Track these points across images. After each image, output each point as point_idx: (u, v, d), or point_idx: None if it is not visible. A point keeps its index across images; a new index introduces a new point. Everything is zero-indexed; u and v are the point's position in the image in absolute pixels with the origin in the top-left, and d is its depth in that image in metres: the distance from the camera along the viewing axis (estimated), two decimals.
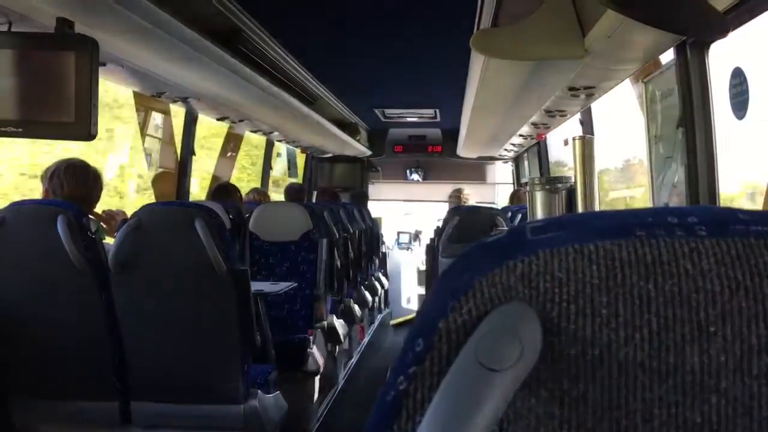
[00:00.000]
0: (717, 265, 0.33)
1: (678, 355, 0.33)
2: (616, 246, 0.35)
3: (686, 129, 2.22)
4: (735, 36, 1.87)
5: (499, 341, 0.33)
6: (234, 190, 4.20)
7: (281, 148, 6.57)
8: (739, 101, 1.97)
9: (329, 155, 7.15)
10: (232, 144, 5.30)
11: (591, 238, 0.35)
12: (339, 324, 3.91)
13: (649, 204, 2.97)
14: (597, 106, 3.72)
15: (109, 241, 2.55)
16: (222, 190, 4.13)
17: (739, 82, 1.97)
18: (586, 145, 2.86)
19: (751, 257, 0.33)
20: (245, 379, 2.47)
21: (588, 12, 2.11)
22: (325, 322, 3.73)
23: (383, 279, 6.42)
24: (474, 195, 5.20)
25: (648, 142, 2.85)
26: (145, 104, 3.77)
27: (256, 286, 2.83)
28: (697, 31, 1.17)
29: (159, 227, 2.31)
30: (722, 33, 1.18)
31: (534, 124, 4.28)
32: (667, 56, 2.38)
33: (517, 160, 7.00)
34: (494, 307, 0.35)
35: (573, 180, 2.93)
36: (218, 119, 4.36)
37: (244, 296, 2.38)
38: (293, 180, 6.75)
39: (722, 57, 2.20)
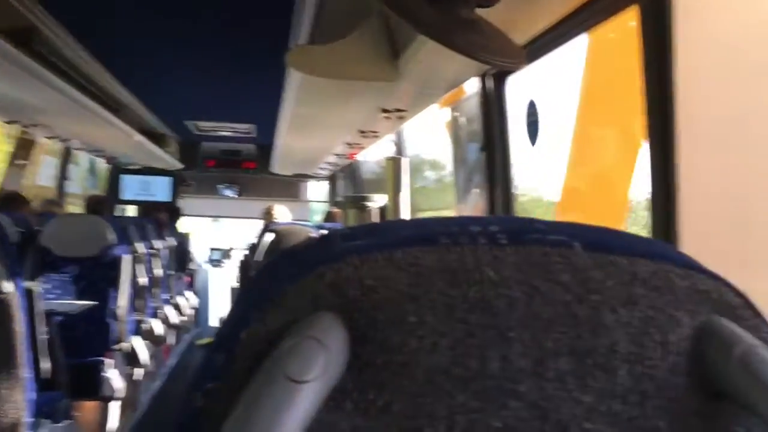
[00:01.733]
0: (516, 272, 0.34)
1: (480, 361, 0.33)
2: (423, 253, 0.35)
3: (487, 153, 2.38)
4: (531, 70, 2.04)
5: (304, 352, 0.31)
6: (23, 200, 3.82)
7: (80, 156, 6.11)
8: (532, 130, 2.15)
9: (137, 167, 6.76)
10: (23, 151, 4.82)
11: (399, 244, 0.35)
12: (141, 345, 3.69)
13: None
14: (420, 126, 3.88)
15: None
16: (9, 200, 3.74)
17: (532, 113, 2.15)
18: (397, 165, 2.97)
19: (547, 264, 0.35)
20: (31, 408, 2.23)
21: (401, 36, 2.20)
22: (125, 344, 3.49)
23: (192, 297, 6.17)
24: (287, 213, 5.17)
25: (454, 166, 3.02)
26: None
27: (47, 305, 2.58)
28: (499, 60, 1.25)
29: None
30: (520, 64, 1.28)
31: (348, 144, 4.37)
32: (472, 84, 2.54)
33: (332, 179, 7.09)
34: (301, 316, 0.33)
35: (385, 198, 3.02)
36: (7, 122, 3.96)
37: (32, 317, 2.16)
38: (94, 192, 6.30)
39: (523, 88, 2.40)
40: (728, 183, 1.24)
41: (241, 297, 0.37)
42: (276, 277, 0.35)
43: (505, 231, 0.36)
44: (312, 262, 0.35)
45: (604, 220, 2.36)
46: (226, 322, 0.36)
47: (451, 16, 1.27)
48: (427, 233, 0.36)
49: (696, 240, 1.31)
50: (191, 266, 6.68)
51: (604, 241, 0.37)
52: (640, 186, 1.99)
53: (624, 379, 0.34)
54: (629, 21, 1.47)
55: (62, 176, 5.50)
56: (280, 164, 6.21)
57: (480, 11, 1.33)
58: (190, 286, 6.51)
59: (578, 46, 2.01)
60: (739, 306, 0.36)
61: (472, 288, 0.34)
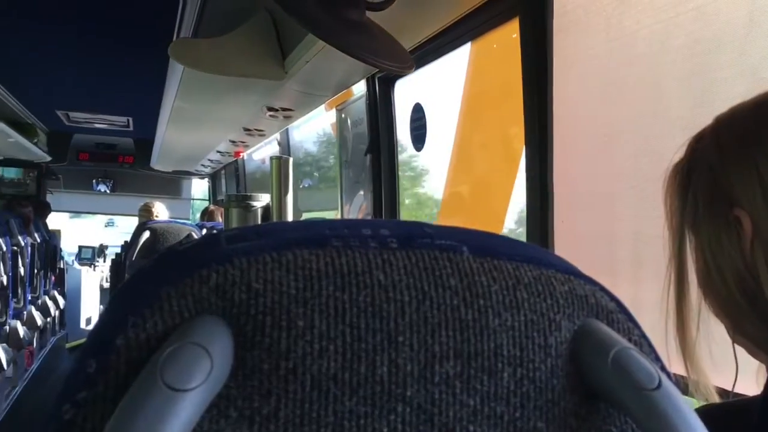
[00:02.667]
0: (406, 276, 0.34)
1: (369, 365, 0.33)
2: (314, 256, 0.34)
3: (372, 156, 2.40)
4: (418, 75, 2.07)
5: (185, 358, 0.30)
6: None
7: None
8: (419, 134, 2.19)
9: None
10: None
11: (289, 246, 0.34)
12: (1, 349, 3.43)
13: None
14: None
15: None
16: None
17: (419, 117, 2.19)
18: (282, 165, 2.93)
19: (436, 269, 0.35)
20: None
21: (289, 35, 2.17)
22: None
23: (59, 297, 5.81)
24: (169, 210, 4.98)
25: (339, 167, 3.02)
26: None
27: None
28: (387, 64, 1.26)
29: None
30: (408, 68, 1.29)
31: (232, 141, 4.27)
32: (360, 87, 2.56)
33: (214, 177, 6.91)
34: (183, 320, 0.32)
35: (269, 198, 2.97)
36: None
37: None
38: None
39: (409, 93, 2.43)
40: (597, 189, 1.31)
41: (115, 299, 0.35)
42: (156, 279, 0.34)
43: (396, 235, 0.36)
44: (195, 264, 0.33)
45: (483, 225, 2.44)
46: (98, 326, 0.33)
47: (340, 17, 1.27)
48: (318, 235, 0.35)
49: (567, 243, 1.38)
50: (60, 265, 6.29)
51: (490, 246, 0.37)
52: (521, 192, 2.08)
53: (507, 382, 0.34)
54: (512, 33, 1.53)
55: None
56: (160, 160, 5.98)
57: (370, 14, 1.33)
58: (58, 285, 6.12)
59: (463, 53, 2.07)
60: (614, 310, 0.38)
61: (362, 292, 0.33)
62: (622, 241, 1.25)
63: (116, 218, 7.78)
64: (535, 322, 0.36)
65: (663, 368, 0.38)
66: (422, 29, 1.70)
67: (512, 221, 2.19)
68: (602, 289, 0.39)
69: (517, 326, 0.35)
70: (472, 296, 0.35)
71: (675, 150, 0.68)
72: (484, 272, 0.36)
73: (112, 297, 0.35)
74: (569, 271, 0.39)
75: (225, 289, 0.32)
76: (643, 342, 0.39)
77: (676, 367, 0.68)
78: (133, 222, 5.64)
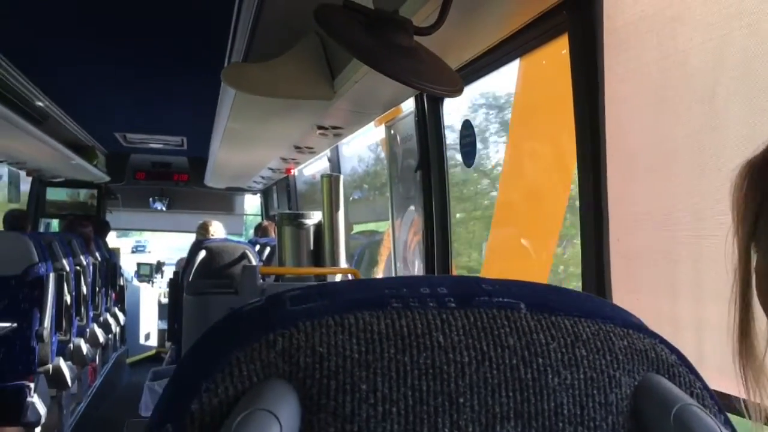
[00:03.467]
0: (465, 336, 0.35)
1: (431, 428, 0.33)
2: (375, 318, 0.35)
3: (422, 172, 2.40)
4: (467, 90, 2.07)
5: (256, 423, 0.31)
6: None
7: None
8: (468, 151, 2.19)
9: (61, 179, 6.52)
10: None
11: (350, 308, 0.35)
12: (66, 367, 3.54)
13: (391, 238, 3.16)
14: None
15: None
16: None
17: (468, 133, 2.18)
18: (333, 182, 2.97)
19: (494, 328, 0.35)
20: None
21: (337, 57, 2.20)
22: (49, 366, 3.35)
23: (119, 314, 5.98)
24: (222, 226, 5.08)
25: (389, 182, 3.03)
26: None
27: None
28: (435, 88, 1.27)
29: None
30: (456, 92, 1.30)
31: (283, 159, 4.34)
32: (409, 104, 2.57)
33: (266, 192, 7.02)
34: (252, 385, 0.33)
35: (320, 215, 3.01)
36: None
37: None
38: (15, 206, 6.02)
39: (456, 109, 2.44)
40: (654, 208, 1.29)
41: (187, 361, 0.36)
42: (225, 342, 0.35)
43: (454, 294, 0.37)
44: (262, 327, 0.34)
45: (537, 233, 2.41)
46: (172, 391, 0.35)
47: (388, 43, 1.28)
48: (378, 296, 0.36)
49: (623, 262, 1.36)
50: (120, 282, 6.48)
51: (548, 302, 0.38)
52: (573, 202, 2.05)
53: None
54: (562, 49, 1.52)
55: None
56: (213, 177, 6.11)
57: (418, 37, 1.35)
58: (119, 302, 6.30)
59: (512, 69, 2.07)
60: (675, 363, 0.38)
61: (422, 354, 0.34)
62: (682, 260, 1.23)
63: (149, 241, 7.97)
64: (595, 379, 0.36)
65: (726, 421, 0.38)
66: (470, 48, 1.70)
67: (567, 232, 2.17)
68: (662, 341, 0.39)
69: (576, 384, 0.35)
70: (530, 355, 0.35)
71: (736, 167, 0.63)
72: (542, 330, 0.36)
73: (183, 360, 0.37)
74: (628, 324, 0.39)
75: (291, 354, 0.33)
76: (705, 395, 0.38)
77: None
78: (184, 238, 5.77)
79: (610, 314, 0.39)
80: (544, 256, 2.24)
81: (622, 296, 1.35)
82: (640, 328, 0.39)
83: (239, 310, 0.37)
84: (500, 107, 2.62)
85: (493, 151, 2.68)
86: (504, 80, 2.13)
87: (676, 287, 1.24)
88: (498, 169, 2.65)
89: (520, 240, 2.47)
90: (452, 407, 0.33)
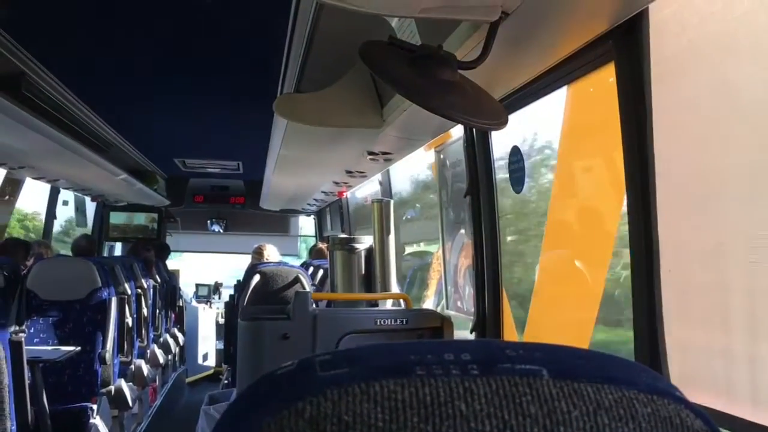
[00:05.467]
0: (487, 405, 0.36)
1: None
2: (399, 386, 0.36)
3: (472, 198, 2.40)
4: (515, 117, 2.07)
5: None
6: (18, 245, 3.79)
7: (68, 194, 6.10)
8: (517, 177, 2.18)
9: (123, 204, 6.75)
10: (9, 188, 4.82)
11: (376, 376, 0.36)
12: (127, 388, 3.65)
13: (442, 262, 3.16)
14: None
15: None
16: (5, 246, 3.72)
17: (516, 159, 2.18)
18: (384, 207, 2.99)
19: (516, 396, 0.36)
20: None
21: (386, 86, 2.23)
22: (111, 387, 3.46)
23: (179, 335, 6.12)
24: (277, 248, 5.17)
25: (440, 206, 3.04)
26: None
27: (32, 352, 2.57)
28: (479, 122, 1.28)
29: None
30: (500, 125, 1.30)
31: (335, 182, 4.40)
32: (458, 129, 2.58)
33: (319, 214, 7.11)
34: None
35: (371, 239, 3.04)
36: None
37: (17, 368, 2.14)
38: (82, 230, 6.27)
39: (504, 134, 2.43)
40: (706, 241, 1.26)
41: (224, 422, 0.38)
42: (257, 408, 0.37)
43: (477, 360, 0.38)
44: (292, 395, 0.36)
45: (590, 250, 2.37)
46: None
47: (433, 79, 1.30)
48: (403, 363, 0.37)
49: (674, 293, 1.33)
50: (179, 303, 6.64)
51: (571, 368, 0.38)
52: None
53: None
54: (609, 77, 1.51)
55: (50, 215, 5.48)
56: (268, 200, 6.23)
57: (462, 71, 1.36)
58: (178, 323, 6.46)
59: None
60: (699, 429, 0.38)
61: (444, 423, 0.35)
62: (735, 291, 1.20)
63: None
64: None
65: None
66: (514, 79, 1.70)
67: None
68: (688, 405, 0.39)
69: None
70: (552, 424, 0.36)
71: None
72: (564, 397, 0.37)
73: (222, 418, 0.39)
74: (653, 389, 0.39)
75: (318, 422, 0.35)
76: None
77: None
78: (240, 260, 5.88)
79: (636, 379, 0.39)
80: (596, 281, 2.21)
81: (674, 328, 1.33)
82: (666, 393, 0.39)
83: (272, 374, 0.39)
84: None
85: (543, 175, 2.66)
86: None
87: (729, 319, 1.21)
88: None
89: (571, 263, 2.44)
90: None
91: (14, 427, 2.17)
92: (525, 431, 0.35)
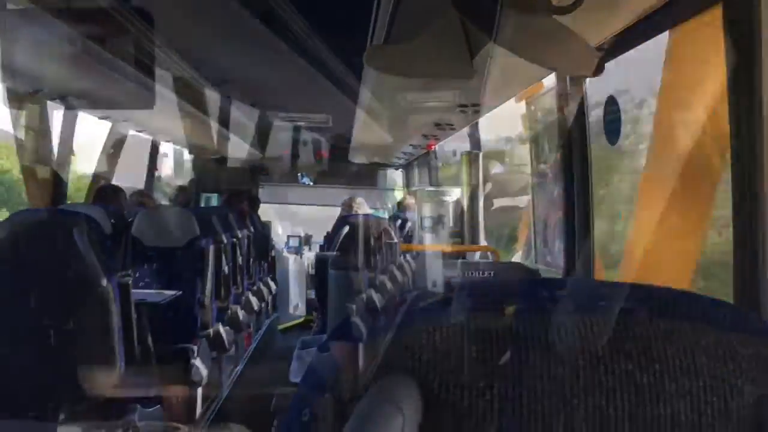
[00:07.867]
0: (581, 340, 0.36)
1: (545, 426, 0.35)
2: (492, 321, 0.37)
3: (563, 151, 2.35)
4: (611, 65, 1.99)
5: (381, 413, 0.34)
6: (117, 192, 4.02)
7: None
8: (613, 128, 2.11)
9: (218, 156, 6.98)
10: (114, 143, 5.07)
11: (469, 311, 0.37)
12: (225, 332, 3.84)
13: (531, 216, 3.12)
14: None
15: None
16: (104, 193, 3.94)
17: (614, 110, 2.10)
18: (473, 160, 2.97)
19: (610, 332, 0.36)
20: (123, 393, 2.37)
21: (476, 35, 2.19)
22: (210, 331, 3.65)
23: (271, 284, 6.34)
24: (366, 200, 5.23)
25: (531, 160, 2.99)
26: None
27: (138, 295, 2.73)
28: (573, 69, 1.24)
29: (33, 237, 2.18)
30: (596, 72, 1.26)
31: (424, 135, 4.38)
32: (550, 79, 2.51)
33: (407, 167, 7.12)
34: (378, 377, 0.36)
35: (459, 192, 3.03)
36: (100, 118, 4.17)
37: (125, 309, 2.29)
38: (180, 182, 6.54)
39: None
40: None
41: (323, 354, 0.41)
42: (354, 339, 0.39)
43: (573, 298, 0.38)
44: (390, 326, 0.38)
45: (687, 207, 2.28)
46: (311, 380, 0.39)
47: (525, 24, 1.27)
48: (498, 300, 0.38)
49: None
50: (272, 253, 6.86)
51: (669, 308, 0.38)
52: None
53: None
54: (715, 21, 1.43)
55: (151, 167, 5.75)
56: (356, 153, 6.29)
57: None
58: (270, 272, 6.68)
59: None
60: None
61: (538, 355, 0.36)
62: None
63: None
64: (715, 387, 0.36)
65: None
66: (612, 24, 1.63)
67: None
68: None
69: (695, 392, 0.36)
70: (647, 361, 0.36)
71: None
72: (660, 335, 0.36)
73: (320, 350, 0.41)
74: (756, 331, 0.38)
75: (414, 351, 0.37)
76: None
77: None
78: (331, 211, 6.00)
79: (737, 321, 0.38)
80: (693, 240, 2.12)
81: None
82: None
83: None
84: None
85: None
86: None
87: None
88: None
89: (667, 221, 2.35)
90: (566, 408, 0.35)
91: (122, 364, 2.34)
92: (619, 366, 0.36)
